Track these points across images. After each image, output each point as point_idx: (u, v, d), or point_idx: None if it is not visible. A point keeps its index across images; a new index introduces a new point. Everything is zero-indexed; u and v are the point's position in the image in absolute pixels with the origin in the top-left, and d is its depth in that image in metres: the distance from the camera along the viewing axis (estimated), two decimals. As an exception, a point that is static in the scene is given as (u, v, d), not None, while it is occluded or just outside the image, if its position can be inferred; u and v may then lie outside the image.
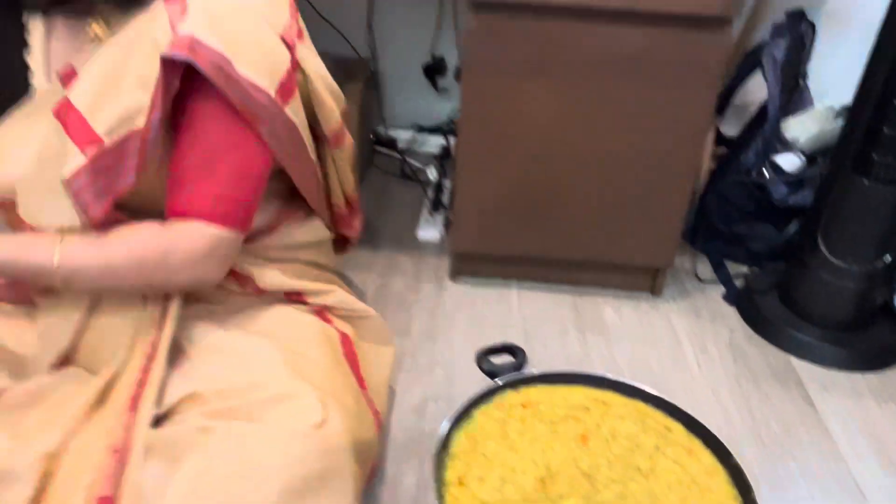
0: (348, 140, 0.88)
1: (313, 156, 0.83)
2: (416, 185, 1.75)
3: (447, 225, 1.57)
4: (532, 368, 0.94)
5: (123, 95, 0.70)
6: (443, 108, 1.94)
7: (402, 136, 1.94)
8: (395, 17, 1.83)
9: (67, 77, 0.79)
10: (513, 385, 0.93)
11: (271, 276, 0.83)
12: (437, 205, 1.61)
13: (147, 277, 0.74)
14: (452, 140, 1.92)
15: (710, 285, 1.44)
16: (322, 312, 0.88)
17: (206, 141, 0.71)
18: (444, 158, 1.88)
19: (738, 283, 1.43)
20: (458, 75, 1.90)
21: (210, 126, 0.71)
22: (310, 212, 0.88)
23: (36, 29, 0.85)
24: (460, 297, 1.35)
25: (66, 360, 0.80)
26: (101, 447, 0.67)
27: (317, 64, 0.80)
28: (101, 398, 0.74)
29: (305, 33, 0.81)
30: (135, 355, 0.76)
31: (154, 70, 0.68)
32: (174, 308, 0.78)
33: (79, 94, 0.72)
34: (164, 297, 0.78)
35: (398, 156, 1.89)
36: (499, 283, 1.40)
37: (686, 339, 1.28)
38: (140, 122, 0.69)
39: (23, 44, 0.85)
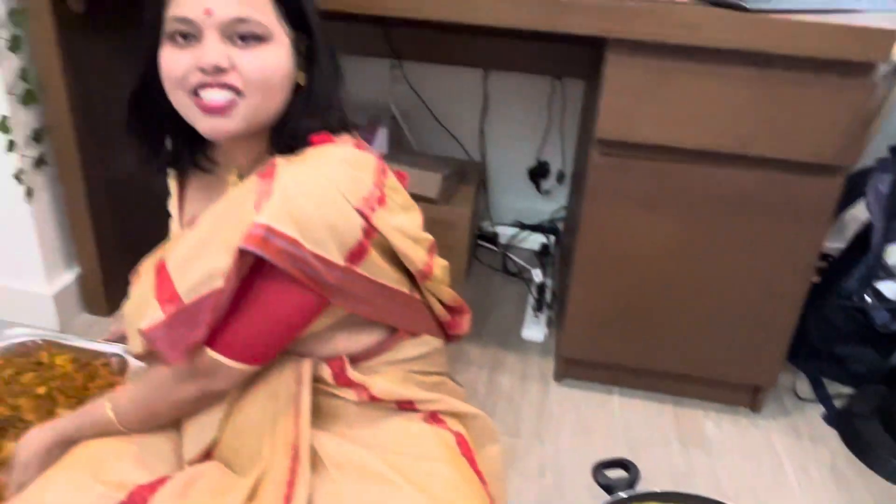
0: (437, 266, 0.94)
1: (406, 288, 0.91)
2: (516, 280, 1.86)
3: (550, 325, 1.66)
4: (644, 484, 1.01)
5: (208, 259, 0.79)
6: (545, 208, 2.06)
7: (504, 231, 2.07)
8: (505, 123, 1.98)
9: (192, 227, 0.90)
10: (630, 501, 1.00)
11: (384, 385, 0.91)
12: (540, 305, 1.70)
13: (166, 393, 0.86)
14: (552, 238, 2.03)
15: (808, 403, 1.47)
16: (434, 415, 0.95)
17: (252, 293, 0.80)
18: (543, 255, 1.99)
19: (838, 403, 1.46)
20: (560, 179, 2.02)
21: (262, 284, 0.80)
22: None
23: (173, 177, 0.99)
24: (565, 400, 1.44)
25: (206, 454, 0.90)
26: None
27: (397, 221, 0.85)
28: (252, 493, 0.83)
29: (393, 193, 0.87)
30: (277, 454, 0.85)
31: (236, 238, 0.77)
32: (305, 409, 0.87)
33: (172, 255, 0.83)
34: (294, 401, 0.87)
35: (499, 250, 2.01)
36: (601, 387, 1.48)
37: (787, 459, 1.32)
38: (218, 283, 0.77)
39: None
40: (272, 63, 0.80)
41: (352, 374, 0.90)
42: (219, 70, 0.77)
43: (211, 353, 0.82)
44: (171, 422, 0.92)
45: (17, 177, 1.36)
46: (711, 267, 1.28)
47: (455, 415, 0.99)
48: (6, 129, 1.31)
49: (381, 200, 0.84)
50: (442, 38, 1.82)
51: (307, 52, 0.85)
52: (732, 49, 1.11)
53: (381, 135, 1.86)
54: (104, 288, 1.57)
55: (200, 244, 0.82)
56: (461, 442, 0.95)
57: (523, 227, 2.06)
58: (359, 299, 0.85)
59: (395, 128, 1.97)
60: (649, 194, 1.24)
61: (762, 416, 1.43)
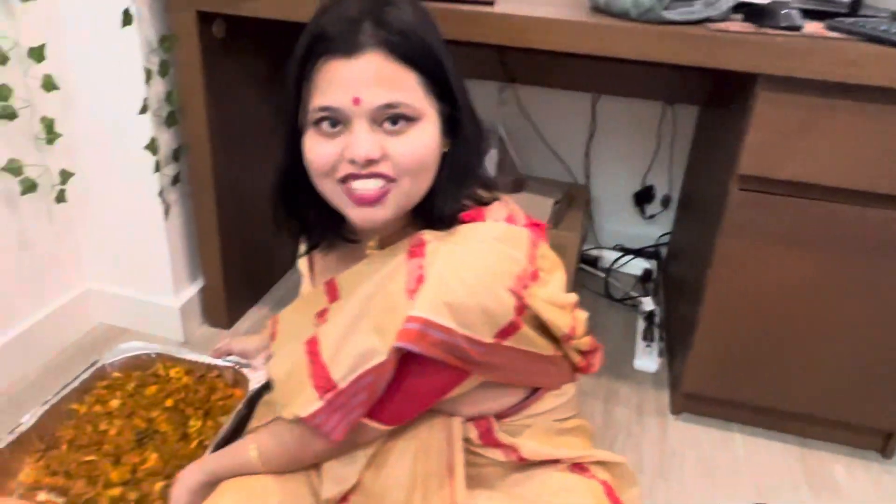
0: (580, 324, 0.92)
1: (550, 351, 0.89)
2: (620, 305, 1.84)
3: (661, 355, 1.63)
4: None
5: (358, 341, 0.79)
6: (649, 233, 2.03)
7: (606, 255, 2.04)
8: (612, 147, 1.96)
9: (329, 289, 0.91)
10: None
11: (533, 446, 0.91)
12: (650, 334, 1.68)
13: (310, 444, 0.86)
14: (655, 264, 2.00)
15: (942, 451, 1.41)
16: (579, 464, 0.95)
17: (402, 372, 0.80)
18: (645, 281, 1.96)
19: (975, 453, 1.39)
20: (665, 204, 1.99)
21: (411, 366, 0.80)
22: None
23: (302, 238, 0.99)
24: (685, 436, 1.41)
25: (342, 498, 0.91)
26: None
27: (547, 293, 0.83)
28: None
29: (543, 261, 0.85)
30: None
31: (387, 320, 0.77)
32: (460, 473, 0.87)
33: (325, 341, 0.82)
34: (448, 463, 0.88)
35: (601, 274, 1.99)
36: (720, 424, 1.44)
37: (926, 512, 1.26)
38: (370, 363, 0.77)
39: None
40: (423, 145, 0.77)
41: (500, 435, 0.90)
42: (370, 162, 0.75)
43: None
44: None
45: (161, 195, 1.42)
46: (850, 308, 1.24)
47: (599, 462, 0.98)
48: (154, 150, 1.37)
49: (535, 276, 0.82)
50: (554, 63, 1.82)
51: (451, 121, 0.82)
52: (891, 87, 1.07)
53: (490, 157, 1.87)
54: (225, 301, 1.61)
55: (350, 327, 0.81)
56: (609, 491, 0.94)
57: (625, 251, 2.03)
58: (503, 369, 0.84)
59: (502, 149, 1.97)
60: (790, 231, 1.21)
61: (895, 462, 1.37)
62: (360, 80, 0.74)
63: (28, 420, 1.16)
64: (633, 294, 1.88)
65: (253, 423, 1.16)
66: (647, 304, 1.76)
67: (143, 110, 1.33)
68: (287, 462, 0.91)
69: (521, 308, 0.80)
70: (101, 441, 1.18)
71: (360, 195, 0.77)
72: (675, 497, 1.26)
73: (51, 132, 1.34)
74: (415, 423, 0.89)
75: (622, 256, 2.01)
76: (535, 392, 0.94)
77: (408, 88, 0.76)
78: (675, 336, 1.61)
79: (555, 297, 0.85)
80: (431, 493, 0.87)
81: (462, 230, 0.82)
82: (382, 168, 0.76)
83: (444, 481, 0.87)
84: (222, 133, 1.46)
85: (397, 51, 0.75)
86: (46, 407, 1.20)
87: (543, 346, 0.88)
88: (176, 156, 1.45)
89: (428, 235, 0.80)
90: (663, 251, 2.03)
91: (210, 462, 0.95)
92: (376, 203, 0.77)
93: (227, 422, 1.23)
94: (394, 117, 0.75)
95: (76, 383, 1.27)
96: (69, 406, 1.24)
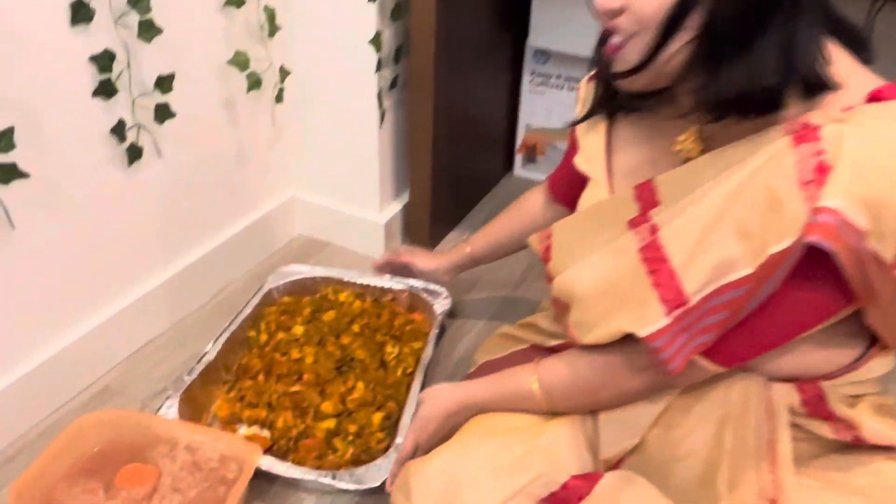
0: None
1: None
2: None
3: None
4: None
5: (716, 246, 0.65)
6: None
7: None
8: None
9: (643, 193, 0.74)
10: None
11: (877, 427, 0.73)
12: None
13: (614, 381, 0.75)
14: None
15: None
16: None
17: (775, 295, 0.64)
18: None
19: None
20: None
21: (790, 284, 0.64)
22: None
23: (595, 129, 0.83)
24: None
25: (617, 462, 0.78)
26: None
27: None
28: None
29: None
30: (743, 497, 0.69)
31: (760, 222, 0.62)
32: (785, 458, 0.70)
33: (673, 245, 0.67)
34: (769, 442, 0.71)
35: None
36: None
37: None
38: (729, 276, 0.64)
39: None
40: None
41: (836, 406, 0.72)
42: (611, 14, 0.67)
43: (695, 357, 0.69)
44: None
45: (379, 97, 1.30)
46: None
47: None
48: (378, 46, 1.24)
49: None
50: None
51: None
52: None
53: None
54: (429, 221, 1.49)
55: (706, 230, 0.65)
56: None
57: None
58: (885, 310, 0.65)
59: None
60: None
61: None
62: None
63: (211, 350, 1.11)
64: None
65: (480, 355, 1.05)
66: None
67: (374, -3, 1.19)
68: (578, 400, 0.79)
69: None
70: (299, 370, 1.11)
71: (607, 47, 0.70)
72: None
73: (272, 23, 1.24)
74: (721, 385, 0.73)
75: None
76: (868, 350, 0.74)
77: None
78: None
79: None
80: (743, 474, 0.70)
81: (870, 111, 0.62)
82: (621, 21, 0.67)
83: (760, 463, 0.71)
84: (448, 34, 1.30)
85: None
86: (227, 335, 1.14)
87: None
88: (396, 57, 1.32)
89: (817, 118, 0.62)
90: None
91: (473, 386, 0.86)
92: (615, 53, 0.70)
93: (426, 347, 1.15)
94: None
95: (249, 309, 1.20)
96: (246, 334, 1.18)
